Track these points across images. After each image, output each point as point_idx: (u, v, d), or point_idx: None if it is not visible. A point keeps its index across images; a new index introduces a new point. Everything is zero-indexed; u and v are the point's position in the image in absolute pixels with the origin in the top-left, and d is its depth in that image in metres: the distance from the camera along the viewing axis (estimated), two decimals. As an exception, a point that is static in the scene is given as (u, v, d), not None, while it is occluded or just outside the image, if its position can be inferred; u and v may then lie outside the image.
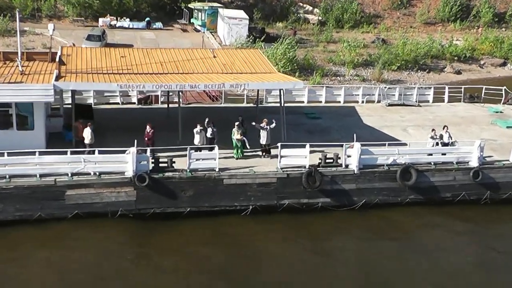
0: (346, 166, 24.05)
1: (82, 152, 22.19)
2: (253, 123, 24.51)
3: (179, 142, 23.78)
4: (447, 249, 21.88)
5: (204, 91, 33.37)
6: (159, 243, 21.16)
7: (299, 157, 23.77)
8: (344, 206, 23.91)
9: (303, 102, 34.14)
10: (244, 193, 23.08)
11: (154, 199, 22.42)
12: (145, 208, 22.37)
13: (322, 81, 43.66)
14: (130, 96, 31.60)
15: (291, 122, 28.90)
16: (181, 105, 30.47)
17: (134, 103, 31.78)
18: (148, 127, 23.67)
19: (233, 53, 30.50)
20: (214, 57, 29.21)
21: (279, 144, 23.61)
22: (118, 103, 31.32)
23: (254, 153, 24.94)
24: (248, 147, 24.43)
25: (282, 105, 26.58)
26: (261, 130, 24.91)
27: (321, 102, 34.41)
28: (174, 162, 22.79)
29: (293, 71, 43.88)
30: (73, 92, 24.53)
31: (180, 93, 28.89)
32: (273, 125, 24.72)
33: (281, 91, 26.72)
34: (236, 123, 24.79)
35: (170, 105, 29.63)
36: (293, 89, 30.87)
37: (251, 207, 23.04)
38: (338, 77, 46.03)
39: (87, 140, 23.24)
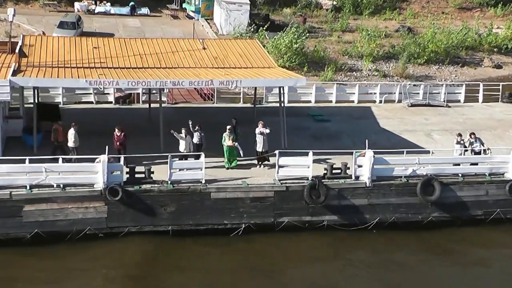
0: (357, 177, 24.08)
1: (57, 159, 22.14)
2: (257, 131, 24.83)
3: (162, 148, 23.95)
4: (487, 266, 22.36)
5: (195, 89, 33.72)
6: (162, 262, 21.56)
7: (300, 167, 23.84)
8: (354, 225, 23.95)
9: (310, 102, 34.37)
10: (235, 209, 23.16)
11: (128, 216, 22.43)
12: (118, 227, 22.36)
13: (335, 77, 43.73)
14: (107, 94, 31.82)
15: (294, 126, 29.16)
16: (167, 105, 31.23)
17: (111, 102, 32.04)
18: (116, 130, 23.81)
19: (227, 44, 30.65)
20: (204, 48, 29.35)
21: (277, 152, 23.53)
22: (91, 102, 31.61)
23: (248, 161, 24.99)
24: (241, 155, 24.52)
25: (282, 105, 26.78)
26: (257, 135, 25.06)
27: (331, 102, 34.61)
28: (152, 172, 22.78)
29: (300, 65, 44.09)
30: (36, 90, 24.63)
31: (164, 91, 28.98)
32: (267, 130, 24.88)
33: (281, 89, 26.92)
34: (228, 127, 24.84)
35: (155, 105, 30.04)
36: (297, 86, 31.16)
37: (243, 226, 23.13)
38: (354, 73, 46.03)
39: (71, 143, 23.33)
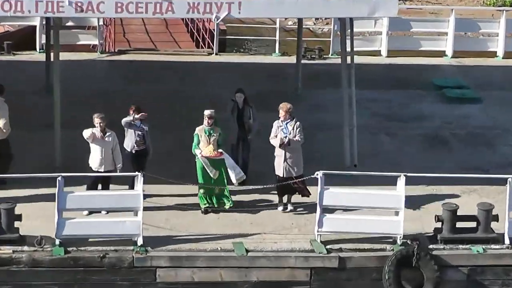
0: (514, 242, 24.08)
1: None
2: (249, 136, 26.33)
3: (58, 161, 25.69)
4: None
5: (186, 22, 33.43)
6: None
7: (375, 215, 23.86)
8: None
9: (443, 53, 36.78)
10: (215, 309, 23.34)
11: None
12: None
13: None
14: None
15: (391, 113, 31.13)
16: (101, 56, 31.60)
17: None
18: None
19: None
20: None
21: (319, 175, 23.17)
22: None
23: (257, 195, 25.51)
24: (241, 175, 25.10)
25: (348, 60, 27.54)
26: (277, 136, 25.17)
27: (495, 55, 36.96)
28: (19, 217, 22.94)
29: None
30: None
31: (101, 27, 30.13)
32: (297, 138, 25.30)
33: (345, 23, 27.91)
34: (207, 113, 24.94)
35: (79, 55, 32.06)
36: (392, 17, 31.72)
37: None
38: None
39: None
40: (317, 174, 23.33)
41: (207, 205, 24.65)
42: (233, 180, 24.91)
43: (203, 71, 32.87)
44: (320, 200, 23.26)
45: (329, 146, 26.39)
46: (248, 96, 26.88)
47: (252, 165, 25.88)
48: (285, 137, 24.90)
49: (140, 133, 24.95)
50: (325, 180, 23.17)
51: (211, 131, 24.70)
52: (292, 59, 34.05)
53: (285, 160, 24.90)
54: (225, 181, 24.90)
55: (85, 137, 24.35)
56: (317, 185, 23.37)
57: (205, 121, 24.76)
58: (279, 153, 24.92)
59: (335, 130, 26.45)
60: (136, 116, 24.89)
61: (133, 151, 24.90)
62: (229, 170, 24.99)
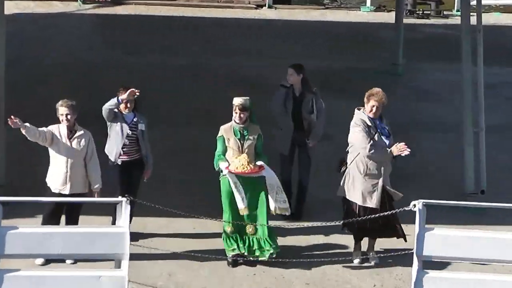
0: None
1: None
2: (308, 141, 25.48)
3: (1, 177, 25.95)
4: None
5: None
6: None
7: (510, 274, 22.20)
8: None
9: None
10: None
11: None
12: None
13: None
14: None
15: None
16: (80, 2, 32.75)
17: None
18: None
19: None
20: None
21: (419, 204, 21.12)
22: None
23: (315, 235, 24.54)
24: (284, 207, 23.59)
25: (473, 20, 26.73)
26: (372, 141, 23.67)
27: None
28: None
29: None
30: None
31: None
32: (405, 150, 23.93)
33: None
34: (238, 102, 23.40)
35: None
36: None
37: None
38: None
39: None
40: (415, 206, 20.99)
41: (236, 251, 22.84)
42: (271, 207, 23.18)
43: (246, 34, 33.28)
44: (418, 248, 21.02)
45: (439, 159, 25.98)
46: (309, 77, 24.89)
47: (312, 189, 24.29)
48: (389, 143, 23.44)
49: (131, 132, 22.99)
50: (429, 214, 20.99)
51: (245, 132, 23.03)
52: (391, 17, 34.26)
53: (379, 174, 23.26)
54: (266, 214, 22.99)
55: (35, 139, 22.34)
56: (413, 222, 21.05)
57: (235, 115, 22.91)
58: (373, 172, 23.23)
59: (451, 132, 26.27)
60: (123, 96, 22.86)
61: (119, 162, 23.04)
62: (269, 194, 23.28)
